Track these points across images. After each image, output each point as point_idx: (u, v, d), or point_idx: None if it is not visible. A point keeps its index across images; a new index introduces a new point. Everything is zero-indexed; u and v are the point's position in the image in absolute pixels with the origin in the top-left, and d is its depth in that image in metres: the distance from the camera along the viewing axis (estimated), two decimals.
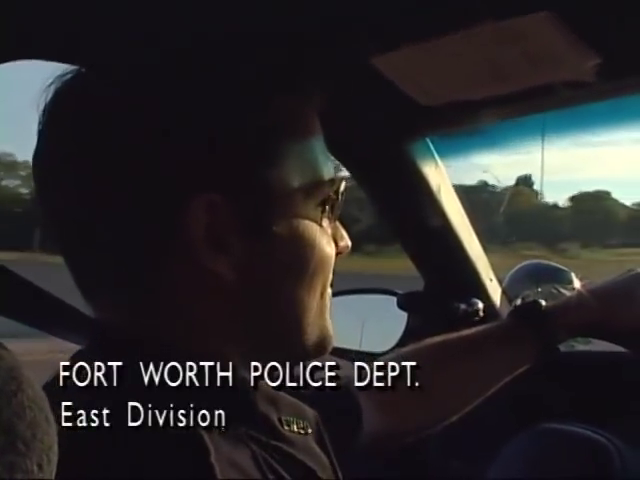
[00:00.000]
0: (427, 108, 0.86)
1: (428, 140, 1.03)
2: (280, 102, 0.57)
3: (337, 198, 0.60)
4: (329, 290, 0.61)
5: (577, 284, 1.28)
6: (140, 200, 0.53)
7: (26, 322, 0.85)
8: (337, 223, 0.62)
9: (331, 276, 0.60)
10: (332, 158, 0.62)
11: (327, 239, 0.59)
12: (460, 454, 1.04)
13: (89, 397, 0.51)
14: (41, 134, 0.56)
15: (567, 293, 1.29)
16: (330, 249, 0.59)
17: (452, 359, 0.87)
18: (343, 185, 0.60)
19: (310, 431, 0.61)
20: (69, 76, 0.56)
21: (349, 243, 0.64)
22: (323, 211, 0.59)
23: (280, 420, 0.57)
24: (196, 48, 0.57)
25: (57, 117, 0.56)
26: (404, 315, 1.26)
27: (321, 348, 0.61)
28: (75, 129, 0.54)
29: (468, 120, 0.90)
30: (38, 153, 0.56)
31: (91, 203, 0.53)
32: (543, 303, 0.89)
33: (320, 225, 0.58)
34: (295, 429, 0.59)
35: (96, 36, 0.64)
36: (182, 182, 0.52)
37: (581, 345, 1.22)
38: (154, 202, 0.53)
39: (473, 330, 0.90)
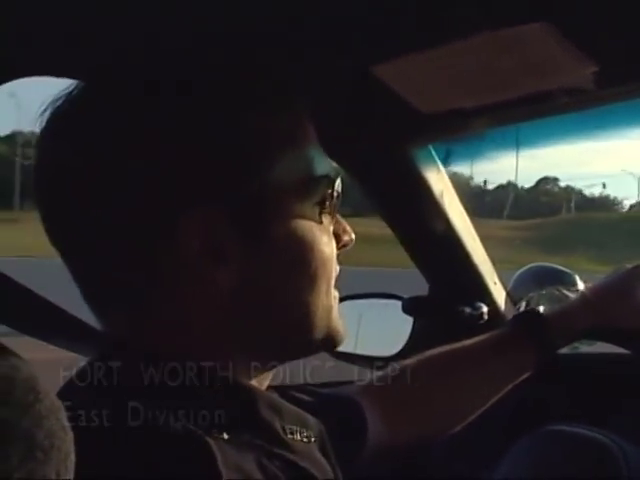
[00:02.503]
0: (428, 115, 0.87)
1: (430, 147, 1.04)
2: (270, 110, 0.58)
3: (334, 193, 0.60)
4: (333, 288, 0.61)
5: (581, 286, 1.29)
6: (137, 214, 0.53)
7: (26, 331, 0.86)
8: (338, 217, 0.63)
9: (335, 273, 0.61)
10: (326, 155, 0.62)
11: (327, 236, 0.60)
12: (465, 456, 1.05)
13: (99, 405, 0.52)
14: (41, 149, 0.57)
15: (571, 295, 1.30)
16: (331, 246, 0.60)
17: (454, 371, 0.88)
18: (339, 180, 0.61)
19: (313, 440, 0.61)
20: (67, 93, 0.57)
21: (352, 236, 0.64)
22: (322, 208, 0.59)
23: (284, 428, 0.58)
24: (189, 59, 0.57)
25: (56, 133, 0.57)
26: (410, 319, 1.27)
27: (330, 344, 0.62)
28: (72, 145, 0.55)
29: (468, 127, 0.91)
30: (39, 168, 0.57)
31: (90, 217, 0.54)
32: (541, 310, 0.90)
33: (319, 223, 0.59)
34: (298, 437, 0.59)
35: (89, 53, 0.65)
36: (175, 196, 0.53)
37: (585, 347, 1.22)
38: (150, 216, 0.53)
39: (474, 341, 0.91)
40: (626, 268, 0.94)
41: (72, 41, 0.64)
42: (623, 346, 0.94)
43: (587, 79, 0.73)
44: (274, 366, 0.61)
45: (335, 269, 0.61)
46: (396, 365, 0.88)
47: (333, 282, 0.61)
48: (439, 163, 1.06)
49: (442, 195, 1.07)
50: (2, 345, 0.37)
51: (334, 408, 0.71)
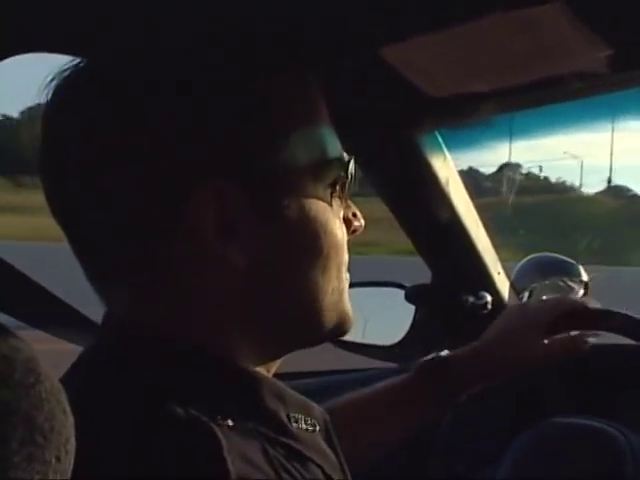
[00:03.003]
0: (436, 99, 0.86)
1: (437, 132, 1.03)
2: (285, 85, 0.57)
3: (347, 178, 0.59)
4: (345, 272, 0.60)
5: (585, 277, 1.28)
6: (147, 186, 0.52)
7: (27, 321, 0.85)
8: (349, 202, 0.62)
9: (346, 257, 0.60)
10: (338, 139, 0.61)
11: (338, 220, 0.59)
12: (468, 449, 1.04)
13: (101, 389, 0.51)
14: (46, 120, 0.56)
15: (574, 286, 1.29)
16: (342, 230, 0.59)
17: (369, 414, 0.91)
18: (352, 164, 0.60)
19: (318, 429, 0.60)
20: (74, 64, 0.56)
21: (362, 222, 0.63)
22: (333, 192, 0.58)
23: (288, 416, 0.57)
24: (197, 32, 0.57)
25: (62, 104, 0.55)
26: (412, 308, 1.26)
27: (340, 330, 0.61)
28: (79, 116, 0.54)
29: (478, 111, 0.90)
30: (44, 139, 0.56)
31: (99, 190, 0.53)
32: (445, 355, 0.92)
33: (331, 206, 0.58)
34: (303, 426, 0.58)
35: (97, 26, 0.63)
36: (188, 168, 0.52)
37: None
38: (161, 188, 0.52)
39: (388, 384, 0.93)
40: (511, 307, 1.00)
41: (76, 16, 0.62)
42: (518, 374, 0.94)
43: (601, 63, 0.72)
44: (282, 354, 0.60)
45: (345, 255, 0.60)
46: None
47: (345, 266, 0.60)
48: (445, 150, 1.05)
49: (447, 182, 1.06)
50: (2, 326, 0.36)
51: None
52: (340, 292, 0.59)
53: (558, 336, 0.92)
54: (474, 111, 0.89)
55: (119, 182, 0.52)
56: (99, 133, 0.53)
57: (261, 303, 0.56)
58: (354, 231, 0.63)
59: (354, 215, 0.62)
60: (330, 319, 0.59)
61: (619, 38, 0.69)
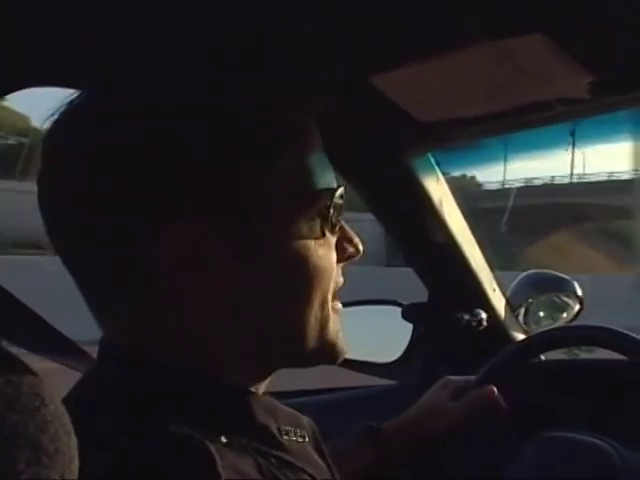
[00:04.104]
0: (427, 124, 0.88)
1: (429, 155, 1.05)
2: (271, 119, 0.57)
3: (333, 206, 0.58)
4: (331, 301, 0.59)
5: (579, 292, 1.29)
6: (123, 220, 0.53)
7: (21, 345, 0.87)
8: (346, 229, 0.61)
9: (333, 285, 0.59)
10: (329, 166, 0.60)
11: (326, 250, 0.58)
12: (467, 462, 1.05)
13: (99, 412, 0.53)
14: (42, 156, 0.58)
15: (570, 302, 1.30)
16: (328, 259, 0.58)
17: None
18: (340, 192, 0.59)
19: (307, 440, 0.61)
20: (69, 101, 0.57)
21: (359, 248, 0.63)
22: (322, 221, 0.57)
23: (279, 430, 0.58)
24: (187, 68, 0.57)
25: (55, 141, 0.57)
26: (409, 326, 1.28)
27: (328, 357, 0.61)
28: (68, 152, 0.56)
29: (467, 135, 0.92)
30: (41, 172, 0.57)
31: (84, 221, 0.54)
32: (379, 427, 0.95)
33: (318, 237, 0.57)
34: (294, 438, 0.59)
35: (87, 61, 0.65)
36: (158, 208, 0.53)
37: (583, 354, 1.23)
38: (136, 223, 0.53)
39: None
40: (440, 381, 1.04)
41: (72, 50, 0.64)
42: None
43: (582, 89, 0.74)
44: (268, 374, 0.61)
45: (336, 281, 0.60)
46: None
47: (330, 296, 0.59)
48: (438, 171, 1.07)
49: (441, 203, 1.08)
50: (7, 351, 0.37)
51: None
52: (324, 321, 0.59)
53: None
54: (464, 135, 0.92)
55: (100, 216, 0.54)
56: (84, 170, 0.54)
57: (241, 331, 0.56)
58: (349, 257, 0.62)
59: (349, 241, 0.62)
60: (312, 347, 0.59)
61: (599, 65, 0.71)
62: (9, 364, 0.35)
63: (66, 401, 0.51)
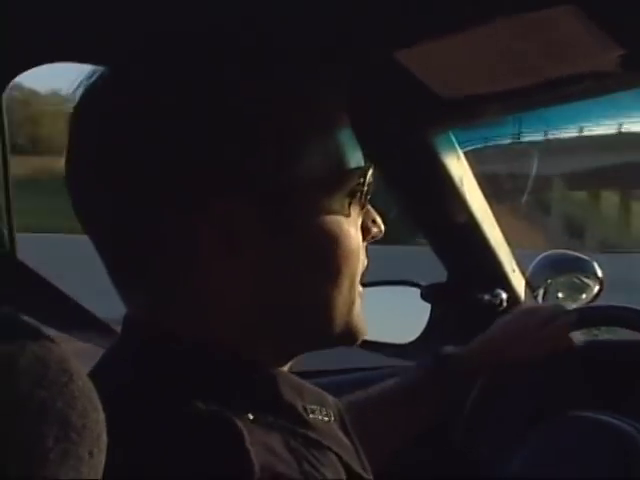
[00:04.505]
0: (449, 100, 0.86)
1: (450, 132, 1.03)
2: (303, 99, 0.57)
3: (365, 185, 0.59)
4: (358, 285, 0.60)
5: (599, 273, 1.28)
6: (161, 194, 0.53)
7: (44, 322, 0.87)
8: (369, 208, 0.62)
9: (361, 266, 0.60)
10: (357, 145, 0.60)
11: (354, 229, 0.58)
12: (485, 442, 1.05)
13: (126, 389, 0.52)
14: (71, 131, 0.57)
15: (590, 282, 1.29)
16: (357, 240, 0.59)
17: (375, 414, 0.92)
18: (371, 171, 0.59)
19: (333, 418, 0.61)
20: (94, 78, 0.57)
21: (382, 227, 0.63)
22: (351, 200, 0.58)
23: (305, 408, 0.58)
24: (211, 42, 0.57)
25: (84, 118, 0.57)
26: (428, 306, 1.27)
27: (350, 339, 0.61)
28: (98, 131, 0.55)
29: (490, 112, 0.91)
30: (70, 146, 0.57)
31: (116, 192, 0.54)
32: (448, 353, 0.95)
33: (347, 215, 0.57)
34: (319, 417, 0.59)
35: (114, 39, 0.65)
36: (201, 180, 0.53)
37: (604, 334, 1.22)
38: (175, 197, 0.53)
39: (392, 384, 0.96)
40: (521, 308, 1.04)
41: (99, 26, 0.64)
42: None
43: (612, 62, 0.73)
44: (295, 354, 0.61)
45: (362, 262, 0.60)
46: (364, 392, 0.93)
47: (358, 277, 0.59)
48: (459, 149, 1.06)
49: (462, 181, 1.07)
50: (35, 327, 0.37)
51: None
52: (350, 303, 0.59)
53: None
54: (486, 111, 0.90)
55: (135, 186, 0.53)
56: (117, 138, 0.54)
57: (273, 311, 0.56)
58: (372, 237, 0.62)
59: (373, 221, 0.62)
60: (338, 329, 0.59)
61: (629, 37, 0.69)
62: (36, 339, 0.35)
63: (93, 374, 0.52)
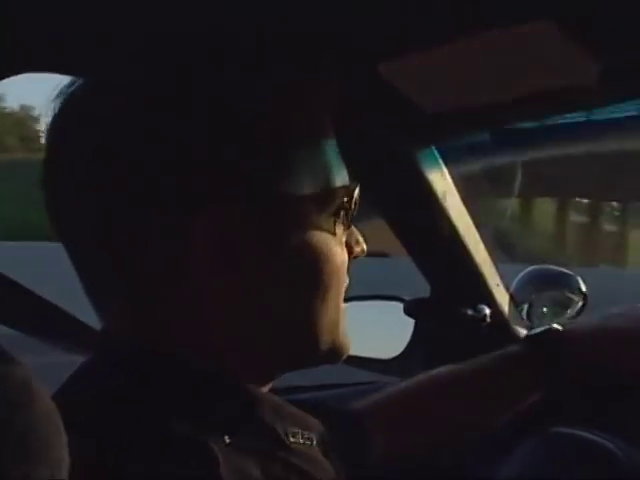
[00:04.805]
0: (432, 115, 0.86)
1: (433, 147, 1.03)
2: (291, 114, 0.56)
3: (351, 204, 0.59)
4: (342, 303, 0.60)
5: (583, 288, 1.28)
6: (146, 205, 0.52)
7: (26, 331, 0.86)
8: (352, 228, 0.62)
9: (345, 284, 0.60)
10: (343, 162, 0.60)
11: (340, 248, 0.58)
12: (471, 455, 1.04)
13: (98, 408, 0.51)
14: (49, 144, 0.56)
15: (574, 297, 1.29)
16: (343, 258, 0.59)
17: (459, 391, 0.86)
18: (357, 190, 0.59)
19: (315, 442, 0.60)
20: (74, 88, 0.56)
21: (364, 247, 0.63)
22: (337, 219, 0.57)
23: (286, 431, 0.57)
24: (200, 52, 0.56)
25: (63, 128, 0.56)
26: (411, 321, 1.26)
27: (334, 357, 0.61)
28: (80, 140, 0.54)
29: (473, 127, 0.91)
30: (48, 154, 0.56)
31: (104, 204, 0.53)
32: (558, 328, 0.85)
33: (333, 234, 0.57)
34: (301, 440, 0.58)
35: (97, 47, 0.64)
36: (189, 192, 0.52)
37: None
38: (159, 210, 0.52)
39: (479, 360, 0.87)
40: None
41: (83, 37, 0.63)
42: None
43: (591, 77, 0.73)
44: (277, 374, 0.60)
45: (345, 280, 0.60)
46: (403, 383, 0.86)
47: (342, 295, 0.60)
48: (442, 164, 1.06)
49: (444, 196, 1.06)
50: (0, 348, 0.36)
51: (337, 424, 0.70)
52: (336, 321, 0.59)
53: None
54: (470, 126, 0.90)
55: (119, 197, 0.52)
56: (102, 149, 0.53)
57: (258, 327, 0.56)
58: (355, 257, 0.62)
59: (356, 241, 0.62)
60: (323, 347, 0.59)
61: (609, 52, 0.69)
62: None
63: (61, 393, 0.51)
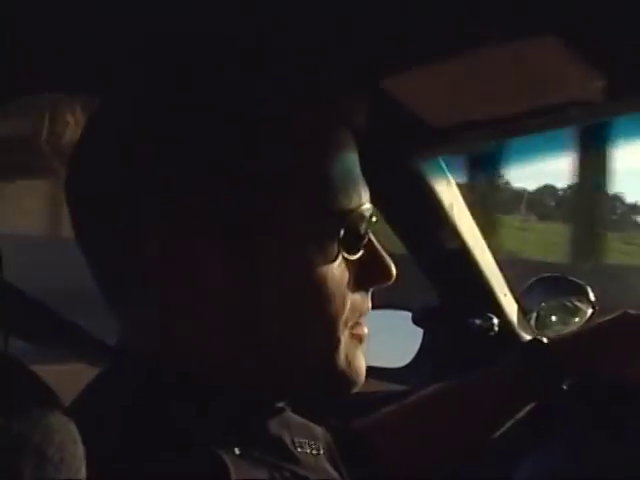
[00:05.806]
0: (439, 128, 0.87)
1: (440, 159, 1.04)
2: (295, 114, 0.55)
3: (359, 227, 0.54)
4: (344, 327, 0.55)
5: (592, 297, 1.28)
6: (122, 233, 0.53)
7: (39, 344, 0.87)
8: (377, 249, 0.57)
9: (346, 311, 0.54)
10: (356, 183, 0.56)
11: (340, 272, 0.54)
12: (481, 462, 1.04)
13: (114, 420, 0.52)
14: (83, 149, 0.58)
15: (582, 306, 1.29)
16: (340, 283, 0.54)
17: (458, 406, 0.83)
18: (370, 213, 0.55)
19: (322, 452, 0.60)
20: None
21: (391, 271, 0.57)
22: (339, 241, 0.53)
23: (293, 442, 0.57)
24: (203, 62, 0.55)
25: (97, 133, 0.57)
26: (420, 331, 1.27)
27: (338, 388, 0.57)
28: (99, 150, 0.56)
29: (478, 139, 0.92)
30: (77, 167, 0.57)
31: (106, 221, 0.54)
32: (545, 341, 0.83)
33: (332, 260, 0.53)
34: (308, 450, 0.58)
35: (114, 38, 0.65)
36: (170, 214, 0.52)
37: None
38: (128, 229, 0.53)
39: (480, 375, 0.84)
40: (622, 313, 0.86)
41: (78, 55, 0.64)
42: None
43: (595, 91, 0.74)
44: (287, 392, 0.58)
45: (360, 309, 0.56)
46: (410, 398, 0.84)
47: (340, 322, 0.54)
48: (449, 175, 1.06)
49: (452, 207, 1.07)
50: (13, 358, 0.37)
51: (345, 444, 0.68)
52: (331, 349, 0.54)
53: None
54: (475, 138, 0.91)
55: (147, 190, 0.53)
56: (105, 169, 0.54)
57: (245, 348, 0.54)
58: (379, 285, 0.57)
59: (380, 266, 0.57)
60: (321, 374, 0.56)
61: (612, 66, 0.70)
62: (13, 370, 0.35)
63: (77, 405, 0.52)
